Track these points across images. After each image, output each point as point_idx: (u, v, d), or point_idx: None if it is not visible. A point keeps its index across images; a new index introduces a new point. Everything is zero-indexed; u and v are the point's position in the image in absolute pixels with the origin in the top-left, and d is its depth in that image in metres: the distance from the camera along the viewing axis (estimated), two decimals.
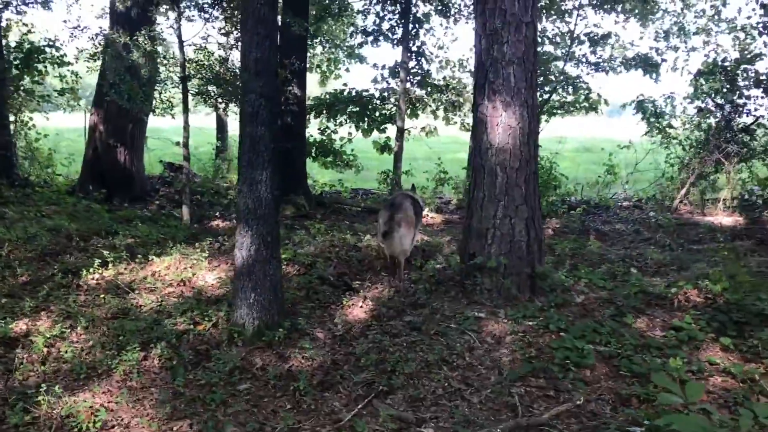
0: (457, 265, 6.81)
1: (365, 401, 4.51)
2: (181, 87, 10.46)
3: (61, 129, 16.75)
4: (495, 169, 6.09)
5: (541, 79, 14.61)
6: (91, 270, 6.90)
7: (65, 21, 11.34)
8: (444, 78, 17.06)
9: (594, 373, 4.90)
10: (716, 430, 3.38)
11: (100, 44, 11.17)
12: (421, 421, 4.28)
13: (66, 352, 5.06)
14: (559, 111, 15.84)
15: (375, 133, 15.95)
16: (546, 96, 14.95)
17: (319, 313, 6.15)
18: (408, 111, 15.58)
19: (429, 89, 15.91)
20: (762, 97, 11.97)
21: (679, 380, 4.63)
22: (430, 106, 16.32)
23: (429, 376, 4.85)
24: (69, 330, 5.48)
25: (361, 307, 6.26)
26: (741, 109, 12.21)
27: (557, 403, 4.50)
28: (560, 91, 15.72)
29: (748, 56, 12.08)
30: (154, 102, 11.46)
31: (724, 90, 11.77)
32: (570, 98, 15.87)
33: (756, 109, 12.19)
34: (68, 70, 13.42)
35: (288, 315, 5.81)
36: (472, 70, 16.71)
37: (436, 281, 6.78)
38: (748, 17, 18.10)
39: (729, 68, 11.86)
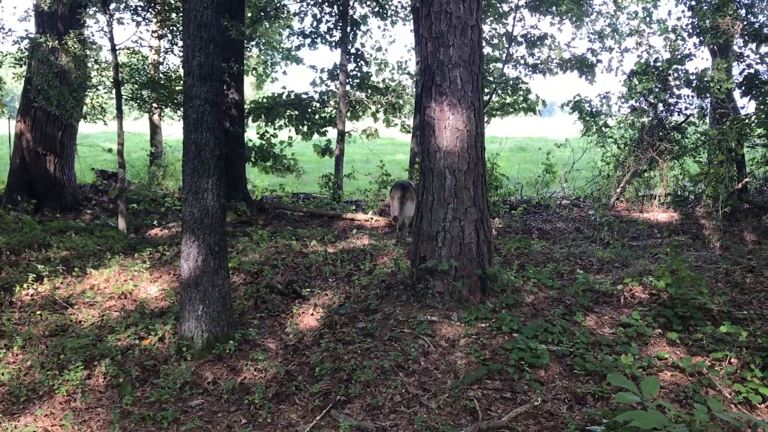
0: (408, 268, 6.77)
1: (323, 412, 4.41)
2: (113, 92, 10.12)
3: None
4: (444, 172, 6.07)
5: None
6: (25, 285, 6.58)
7: None
8: (384, 80, 17.07)
9: (549, 372, 4.92)
10: (673, 425, 3.44)
11: (25, 48, 10.68)
12: (381, 430, 4.21)
13: (3, 374, 4.80)
14: (498, 112, 16.07)
15: (315, 137, 15.80)
16: (486, 97, 15.12)
17: (270, 322, 6.01)
18: (348, 113, 15.50)
19: (369, 91, 15.89)
20: (692, 96, 12.44)
21: (632, 377, 4.72)
22: (370, 108, 16.29)
23: (386, 383, 4.78)
24: (5, 350, 5.21)
25: (312, 314, 6.13)
26: (672, 108, 12.65)
27: (515, 405, 4.50)
28: (500, 92, 15.94)
29: (679, 57, 12.49)
30: (84, 108, 11.04)
31: (657, 89, 12.13)
32: (509, 99, 16.12)
33: (686, 108, 12.68)
34: None
35: (237, 326, 5.65)
36: (412, 72, 17.02)
37: (387, 286, 6.71)
38: (678, 19, 18.76)
39: (661, 68, 12.24)
